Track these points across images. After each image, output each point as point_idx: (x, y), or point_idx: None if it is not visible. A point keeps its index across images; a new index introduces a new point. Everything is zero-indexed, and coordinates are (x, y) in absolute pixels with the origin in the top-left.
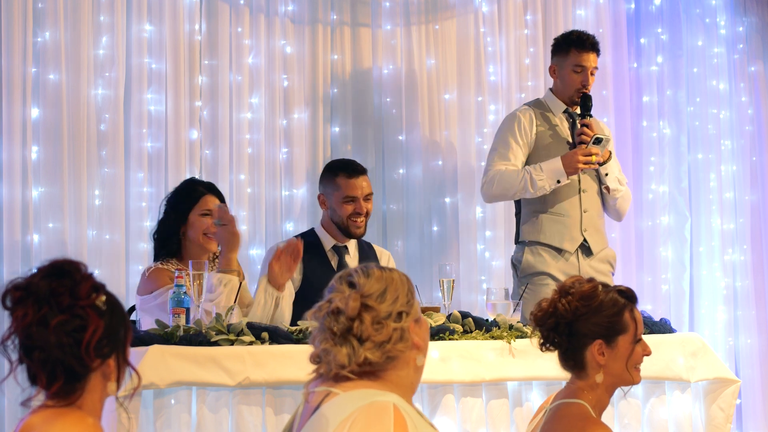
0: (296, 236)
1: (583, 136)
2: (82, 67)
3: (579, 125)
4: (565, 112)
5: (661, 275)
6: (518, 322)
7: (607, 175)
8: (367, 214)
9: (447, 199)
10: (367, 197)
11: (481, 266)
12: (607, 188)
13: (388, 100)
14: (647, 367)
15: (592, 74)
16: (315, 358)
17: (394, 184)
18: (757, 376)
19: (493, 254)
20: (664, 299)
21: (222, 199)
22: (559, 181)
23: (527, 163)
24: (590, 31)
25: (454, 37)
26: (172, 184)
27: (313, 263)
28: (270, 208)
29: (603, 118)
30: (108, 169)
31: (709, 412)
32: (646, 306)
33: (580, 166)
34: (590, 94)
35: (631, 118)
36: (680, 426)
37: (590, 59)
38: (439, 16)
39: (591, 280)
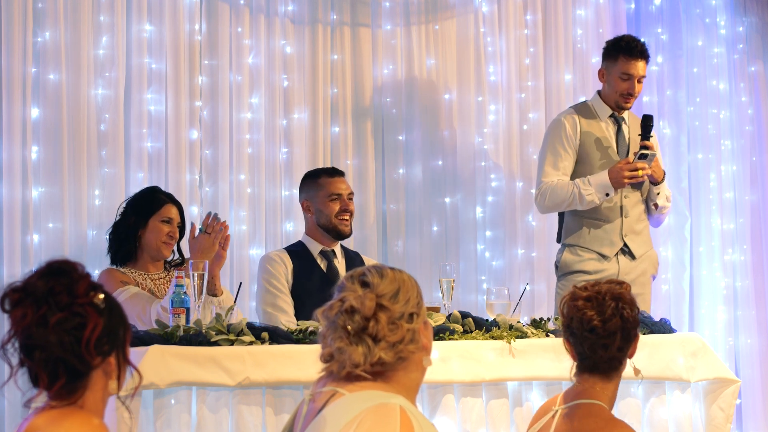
0: (284, 248)
1: (642, 151)
2: (82, 67)
3: (639, 147)
4: (611, 116)
5: (661, 275)
6: (518, 322)
7: (658, 194)
8: (351, 215)
9: (447, 199)
10: (350, 196)
11: (481, 266)
12: (656, 205)
13: (388, 100)
14: (647, 367)
15: (639, 82)
16: (326, 357)
17: (394, 184)
18: (757, 376)
19: (493, 254)
20: (664, 299)
21: (182, 210)
22: (607, 194)
23: (575, 166)
24: (590, 31)
25: (454, 37)
26: (172, 184)
27: (303, 270)
28: (270, 208)
29: None
30: (108, 169)
31: (709, 412)
32: None
33: (626, 181)
34: (651, 114)
35: None
36: (680, 426)
37: (638, 67)
38: (439, 16)
39: (619, 282)
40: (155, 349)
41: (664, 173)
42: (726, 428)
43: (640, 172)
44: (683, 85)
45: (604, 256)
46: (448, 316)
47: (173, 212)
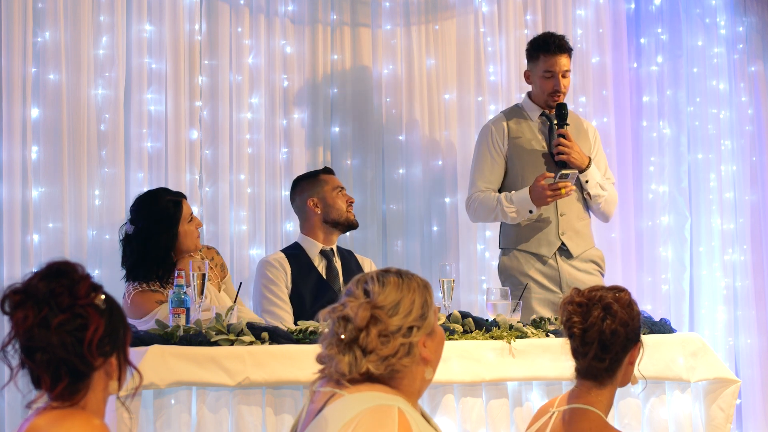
0: (281, 251)
1: (560, 147)
2: (82, 67)
3: (556, 135)
4: (542, 115)
5: (661, 275)
6: (518, 322)
7: (587, 182)
8: None
9: (447, 199)
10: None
11: (481, 266)
12: (589, 194)
13: (388, 100)
14: (647, 367)
15: (564, 77)
16: (322, 359)
17: (394, 184)
18: (757, 376)
19: (493, 254)
20: (664, 299)
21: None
22: (531, 211)
23: (507, 170)
24: (590, 31)
25: (454, 37)
26: (172, 184)
27: (301, 273)
28: (270, 208)
29: (603, 119)
30: (108, 169)
31: (709, 412)
32: (646, 306)
33: (548, 200)
34: (564, 102)
35: (631, 118)
36: (680, 426)
37: (559, 63)
38: (439, 16)
39: (620, 290)
40: (155, 349)
41: (590, 159)
42: (726, 428)
43: (562, 191)
44: (683, 85)
45: (541, 258)
46: (448, 316)
47: (188, 206)
